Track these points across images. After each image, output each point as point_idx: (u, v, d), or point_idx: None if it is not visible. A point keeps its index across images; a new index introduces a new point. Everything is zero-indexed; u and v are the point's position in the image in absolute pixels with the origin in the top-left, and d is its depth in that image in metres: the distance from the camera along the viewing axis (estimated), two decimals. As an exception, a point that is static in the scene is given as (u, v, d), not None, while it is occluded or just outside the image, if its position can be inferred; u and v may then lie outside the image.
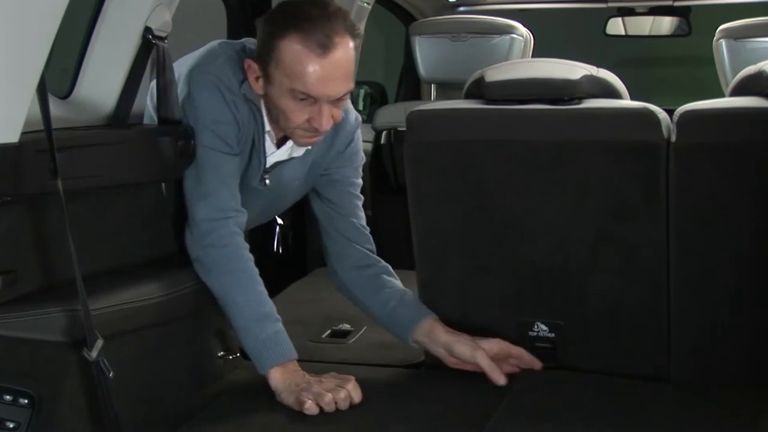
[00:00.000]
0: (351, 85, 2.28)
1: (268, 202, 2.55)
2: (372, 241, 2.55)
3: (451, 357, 2.36)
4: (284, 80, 2.22)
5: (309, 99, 2.23)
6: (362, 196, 2.59)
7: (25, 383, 1.94)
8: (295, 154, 2.46)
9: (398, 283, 2.49)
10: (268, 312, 2.26)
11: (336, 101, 2.27)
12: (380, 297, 2.47)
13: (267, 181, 2.45)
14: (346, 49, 2.22)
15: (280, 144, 2.44)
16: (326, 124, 2.27)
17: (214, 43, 2.42)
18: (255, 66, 2.29)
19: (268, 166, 2.43)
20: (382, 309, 2.46)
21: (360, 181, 2.58)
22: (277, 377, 2.20)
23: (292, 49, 2.19)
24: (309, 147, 2.44)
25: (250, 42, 2.38)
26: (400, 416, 2.14)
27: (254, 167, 2.42)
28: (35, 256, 2.02)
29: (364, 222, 2.56)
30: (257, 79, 2.29)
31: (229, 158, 2.33)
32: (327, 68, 2.20)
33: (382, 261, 2.53)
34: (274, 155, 2.44)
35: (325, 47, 2.18)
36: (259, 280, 2.28)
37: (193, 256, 2.30)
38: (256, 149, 2.40)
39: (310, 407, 2.12)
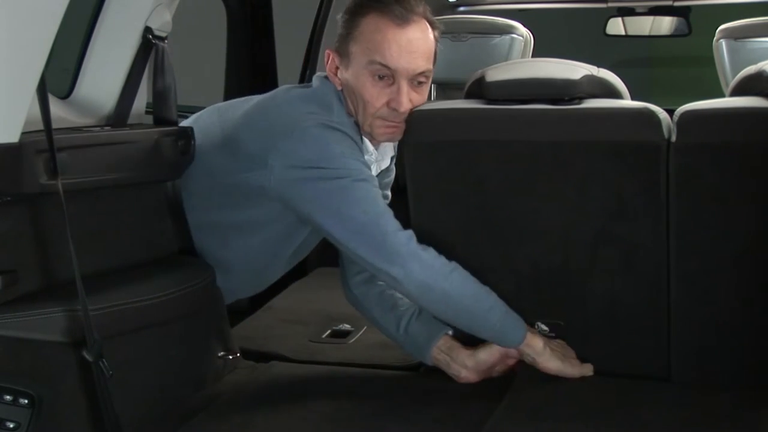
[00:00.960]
0: (430, 65, 2.32)
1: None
2: None
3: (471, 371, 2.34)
4: (363, 55, 2.27)
5: (387, 77, 2.27)
6: None
7: (25, 383, 1.94)
8: (383, 167, 2.47)
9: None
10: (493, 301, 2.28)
11: (415, 83, 2.30)
12: (392, 317, 2.44)
13: None
14: (423, 29, 2.31)
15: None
16: (406, 104, 2.28)
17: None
18: (334, 55, 2.34)
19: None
20: (396, 330, 2.43)
21: (388, 194, 2.56)
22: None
23: (373, 22, 2.27)
24: (392, 154, 2.46)
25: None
26: (400, 417, 2.14)
27: None
28: (35, 256, 2.01)
29: None
30: (336, 69, 2.33)
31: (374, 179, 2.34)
32: (405, 39, 2.26)
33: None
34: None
35: (403, 19, 2.26)
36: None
37: (409, 267, 2.21)
38: None
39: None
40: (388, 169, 2.56)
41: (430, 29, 2.32)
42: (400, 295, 2.44)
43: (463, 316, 2.28)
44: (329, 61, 2.35)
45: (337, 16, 2.39)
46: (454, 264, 2.25)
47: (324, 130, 2.27)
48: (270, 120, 2.32)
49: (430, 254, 2.23)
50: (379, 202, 2.26)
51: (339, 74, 2.34)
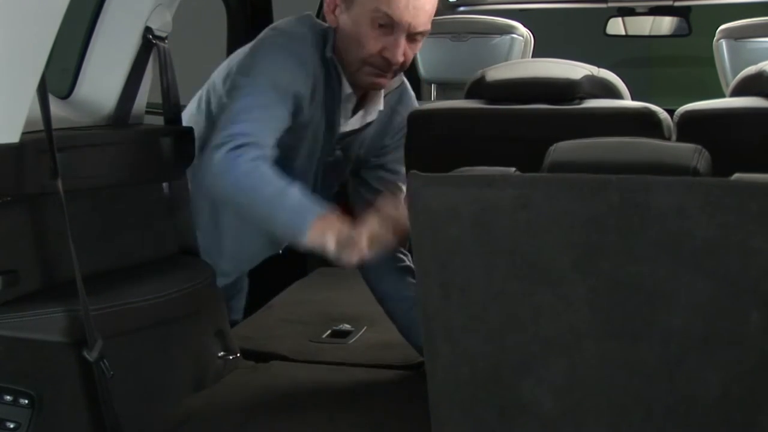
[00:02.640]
0: (429, 26, 2.32)
1: (322, 182, 2.50)
2: None
3: None
4: (369, 3, 2.25)
5: (387, 27, 2.26)
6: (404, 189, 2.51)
7: (25, 383, 1.94)
8: (369, 119, 2.45)
9: None
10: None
11: (412, 38, 2.30)
12: (399, 298, 2.45)
13: (338, 152, 2.46)
14: None
15: (353, 113, 2.43)
16: (399, 56, 2.28)
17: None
18: None
19: (339, 135, 2.42)
20: (400, 313, 2.45)
21: (403, 170, 2.52)
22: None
23: None
24: (381, 108, 2.45)
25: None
26: (400, 416, 2.14)
27: (324, 135, 2.39)
28: (35, 256, 2.02)
29: None
30: (334, 8, 2.33)
31: (281, 104, 2.28)
32: None
33: (408, 259, 2.48)
34: (348, 123, 2.43)
35: None
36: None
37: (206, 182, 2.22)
38: (328, 115, 2.39)
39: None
40: (386, 128, 2.53)
41: None
42: (411, 281, 2.42)
43: (259, 201, 2.16)
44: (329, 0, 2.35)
45: None
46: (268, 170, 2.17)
47: (270, 43, 2.33)
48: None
49: (249, 157, 2.16)
50: (257, 114, 2.23)
51: (337, 13, 2.33)
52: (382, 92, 2.46)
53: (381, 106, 2.47)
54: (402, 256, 2.47)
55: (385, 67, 2.31)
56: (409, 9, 2.25)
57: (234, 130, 2.19)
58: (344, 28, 2.32)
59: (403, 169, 2.52)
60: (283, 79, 2.28)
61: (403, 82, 2.55)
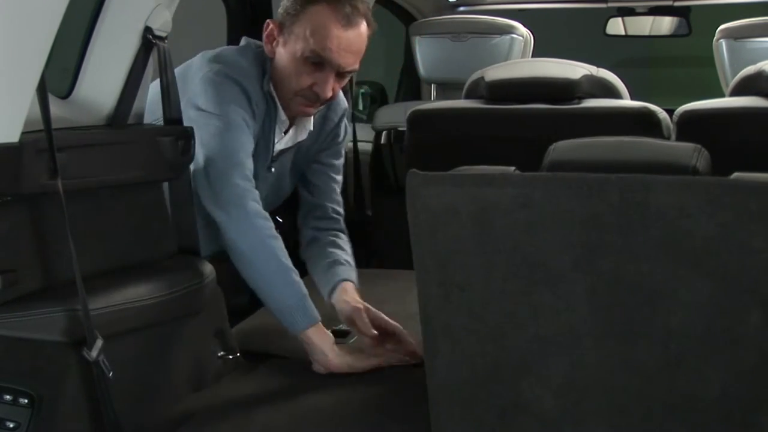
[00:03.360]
0: (357, 64, 2.50)
1: (270, 193, 2.68)
2: (343, 227, 2.70)
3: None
4: (304, 41, 2.42)
5: (318, 65, 2.44)
6: (340, 179, 2.77)
7: (25, 383, 1.94)
8: (300, 139, 2.63)
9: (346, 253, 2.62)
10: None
11: (341, 75, 2.48)
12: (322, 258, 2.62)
13: (273, 169, 2.62)
14: (363, 30, 2.48)
15: (285, 132, 2.61)
16: (328, 92, 2.47)
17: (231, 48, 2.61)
18: (275, 28, 2.49)
19: (275, 153, 2.60)
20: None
21: (340, 161, 2.78)
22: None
23: (321, 15, 2.42)
24: (311, 129, 2.64)
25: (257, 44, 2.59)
26: (400, 416, 2.14)
27: (262, 155, 2.56)
28: (35, 256, 2.02)
29: (339, 207, 2.73)
30: (273, 40, 2.49)
31: (249, 137, 2.46)
32: (346, 40, 2.43)
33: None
34: (281, 142, 2.60)
35: (349, 20, 2.43)
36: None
37: (224, 219, 2.35)
38: (265, 137, 2.55)
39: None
40: (318, 136, 2.71)
41: (367, 29, 2.48)
42: (341, 248, 2.64)
43: (261, 279, 2.34)
44: (268, 30, 2.50)
45: None
46: (276, 233, 2.36)
47: (222, 79, 2.46)
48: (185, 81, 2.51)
49: (256, 211, 2.35)
50: (238, 150, 2.41)
51: (274, 45, 2.50)
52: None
53: (311, 126, 2.67)
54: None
55: (315, 99, 2.50)
56: (341, 52, 2.43)
57: (235, 181, 2.38)
58: (280, 60, 2.49)
59: (338, 162, 2.78)
60: (241, 111, 2.46)
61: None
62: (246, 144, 2.45)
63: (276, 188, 2.72)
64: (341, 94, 2.72)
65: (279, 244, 2.34)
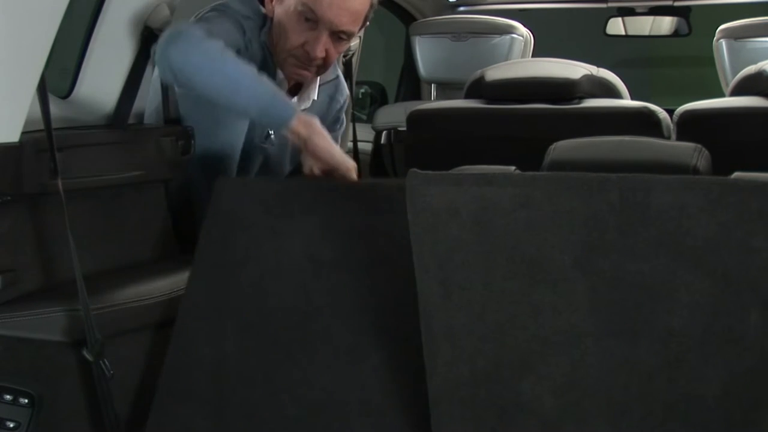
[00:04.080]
0: (355, 29, 2.35)
1: (270, 166, 2.55)
2: None
3: None
4: None
5: (312, 22, 2.30)
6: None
7: (25, 383, 1.94)
8: (303, 107, 2.48)
9: None
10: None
11: (336, 37, 2.33)
12: None
13: (272, 136, 2.48)
14: None
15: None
16: (319, 52, 2.33)
17: None
18: None
19: None
20: None
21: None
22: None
23: None
24: (314, 98, 2.49)
25: None
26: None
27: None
28: (35, 256, 2.02)
29: None
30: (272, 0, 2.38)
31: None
32: None
33: None
34: None
35: None
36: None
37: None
38: None
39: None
40: (324, 115, 2.53)
41: None
42: None
43: (232, 87, 2.12)
44: None
45: None
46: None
47: (216, 15, 2.36)
48: None
49: (202, 35, 2.17)
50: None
51: (274, 3, 2.39)
52: (317, 82, 2.51)
53: (315, 96, 2.52)
54: None
55: (307, 60, 2.35)
56: (333, 8, 2.28)
57: (185, 26, 2.22)
58: (276, 18, 2.37)
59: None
60: (233, 36, 2.33)
61: (338, 76, 2.64)
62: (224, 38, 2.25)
63: (274, 164, 2.56)
64: (345, 86, 2.64)
65: (233, 54, 2.16)
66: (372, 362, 1.87)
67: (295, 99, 2.49)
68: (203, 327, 1.98)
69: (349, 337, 1.88)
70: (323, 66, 2.40)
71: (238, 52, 2.31)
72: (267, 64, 2.41)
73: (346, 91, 2.68)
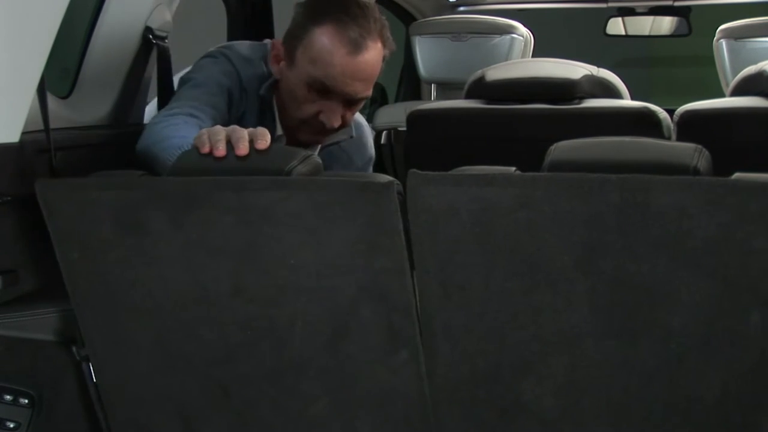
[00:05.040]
0: (370, 91, 2.27)
1: None
2: None
3: None
4: (308, 66, 2.20)
5: (325, 92, 2.21)
6: None
7: (25, 383, 1.95)
8: None
9: None
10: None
11: (351, 103, 2.25)
12: None
13: None
14: (375, 54, 2.21)
15: None
16: (335, 122, 2.24)
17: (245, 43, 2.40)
18: (281, 47, 2.27)
19: None
20: None
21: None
22: None
23: (325, 37, 2.18)
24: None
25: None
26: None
27: None
28: (35, 256, 2.01)
29: None
30: (279, 61, 2.27)
31: (221, 96, 2.24)
32: (353, 67, 2.18)
33: None
34: None
35: (357, 46, 2.18)
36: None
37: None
38: None
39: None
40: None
41: (382, 50, 2.24)
42: None
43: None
44: (274, 51, 2.29)
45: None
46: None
47: (218, 55, 2.30)
48: None
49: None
50: (196, 95, 2.19)
51: (281, 65, 2.28)
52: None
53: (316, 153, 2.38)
54: None
55: (323, 129, 2.27)
56: (345, 79, 2.19)
57: (172, 105, 2.16)
58: (286, 83, 2.28)
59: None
60: (224, 80, 2.26)
61: (353, 135, 2.45)
62: (212, 105, 2.20)
63: None
64: (367, 144, 2.50)
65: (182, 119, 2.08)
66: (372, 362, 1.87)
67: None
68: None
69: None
70: (342, 128, 2.30)
71: (231, 99, 2.26)
72: (264, 115, 2.33)
73: (370, 151, 2.52)
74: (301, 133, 2.30)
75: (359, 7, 2.21)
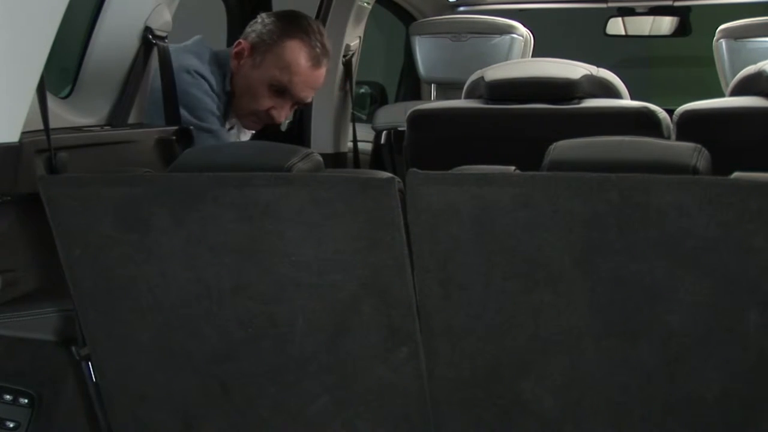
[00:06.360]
0: (310, 98, 2.76)
1: None
2: None
3: None
4: (274, 70, 2.62)
5: (281, 92, 2.64)
6: None
7: (25, 383, 1.95)
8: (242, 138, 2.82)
9: None
10: None
11: (297, 104, 2.72)
12: None
13: None
14: (325, 69, 2.71)
15: None
16: (283, 117, 2.71)
17: (200, 42, 2.75)
18: (248, 48, 2.66)
19: None
20: None
21: None
22: None
23: (295, 51, 2.63)
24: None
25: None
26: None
27: None
28: (35, 256, 2.02)
29: None
30: (241, 58, 2.66)
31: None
32: (312, 78, 2.66)
33: None
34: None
35: (318, 61, 2.66)
36: None
37: None
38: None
39: None
40: None
41: (326, 65, 2.71)
42: None
43: None
44: (238, 48, 2.67)
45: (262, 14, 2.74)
46: None
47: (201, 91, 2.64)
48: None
49: None
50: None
51: (242, 62, 2.66)
52: None
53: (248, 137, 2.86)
54: None
55: (267, 121, 2.72)
56: (304, 87, 2.65)
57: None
58: (244, 79, 2.67)
59: None
60: (208, 101, 2.64)
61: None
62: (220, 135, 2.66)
63: None
64: None
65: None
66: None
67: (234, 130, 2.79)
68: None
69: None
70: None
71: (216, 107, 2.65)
72: (227, 109, 2.72)
73: None
74: (247, 120, 2.73)
75: (319, 29, 2.69)
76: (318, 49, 2.64)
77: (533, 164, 2.32)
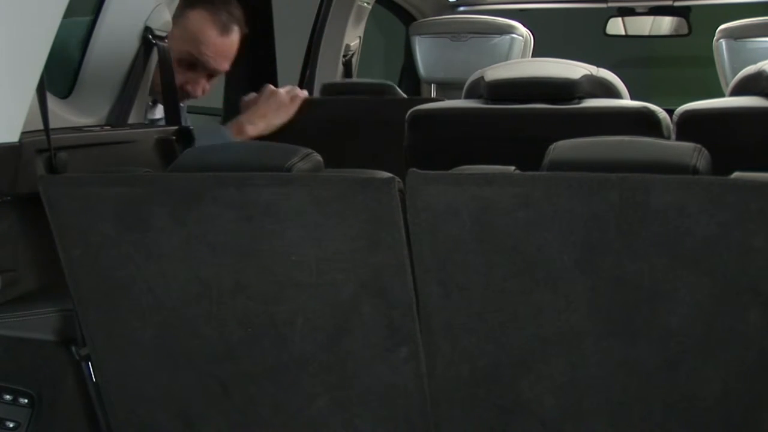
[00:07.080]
0: (228, 66, 2.64)
1: None
2: None
3: None
4: (181, 44, 2.50)
5: (192, 66, 2.54)
6: None
7: (25, 383, 1.95)
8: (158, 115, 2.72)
9: None
10: None
11: (212, 76, 2.62)
12: None
13: None
14: (237, 36, 2.59)
15: None
16: (199, 92, 2.61)
17: None
18: None
19: None
20: None
21: None
22: None
23: (199, 21, 2.54)
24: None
25: None
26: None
27: None
28: (35, 256, 2.02)
29: None
30: None
31: None
32: (223, 46, 2.56)
33: None
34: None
35: (226, 27, 2.55)
36: None
37: None
38: None
39: None
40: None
41: (240, 33, 2.60)
42: None
43: None
44: None
45: None
46: None
47: None
48: None
49: None
50: None
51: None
52: None
53: None
54: None
55: (184, 97, 2.60)
56: (217, 57, 2.56)
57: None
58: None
59: None
60: None
61: None
62: None
63: None
64: None
65: None
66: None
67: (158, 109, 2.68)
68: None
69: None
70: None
71: None
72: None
73: None
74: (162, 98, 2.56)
75: None
76: (224, 17, 2.55)
77: (533, 164, 2.32)
